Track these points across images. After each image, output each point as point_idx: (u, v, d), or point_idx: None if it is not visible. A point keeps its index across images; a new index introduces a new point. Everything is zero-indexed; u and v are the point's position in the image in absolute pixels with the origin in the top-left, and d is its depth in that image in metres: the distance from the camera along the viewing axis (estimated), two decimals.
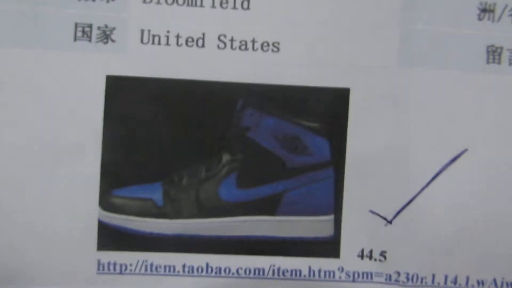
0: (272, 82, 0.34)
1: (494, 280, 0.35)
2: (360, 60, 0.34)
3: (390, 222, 0.34)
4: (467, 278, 0.35)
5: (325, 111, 0.34)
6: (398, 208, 0.34)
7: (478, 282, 0.35)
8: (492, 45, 0.34)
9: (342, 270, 0.35)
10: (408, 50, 0.34)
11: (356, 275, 0.35)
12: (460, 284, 0.35)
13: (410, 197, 0.34)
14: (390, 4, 0.34)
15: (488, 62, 0.34)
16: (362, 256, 0.35)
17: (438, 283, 0.35)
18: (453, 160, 0.34)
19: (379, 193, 0.34)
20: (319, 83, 0.34)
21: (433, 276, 0.35)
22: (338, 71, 0.34)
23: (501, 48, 0.34)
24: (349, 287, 0.35)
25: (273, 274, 0.35)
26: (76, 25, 0.33)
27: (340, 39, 0.34)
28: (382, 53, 0.34)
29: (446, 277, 0.35)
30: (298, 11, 0.34)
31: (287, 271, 0.35)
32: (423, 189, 0.34)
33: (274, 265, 0.35)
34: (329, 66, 0.34)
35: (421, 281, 0.35)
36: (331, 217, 0.34)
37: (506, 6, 0.34)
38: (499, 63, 0.34)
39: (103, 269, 0.34)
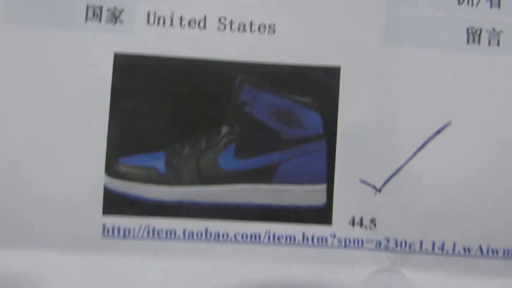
0: (268, 61, 0.37)
1: (480, 247, 0.36)
2: (349, 40, 0.37)
3: (379, 190, 0.36)
4: (454, 245, 0.36)
5: (317, 87, 0.37)
6: (386, 177, 0.36)
7: (464, 249, 0.36)
8: (472, 27, 0.37)
9: (334, 236, 0.36)
10: (393, 31, 0.37)
11: (347, 242, 0.36)
12: (447, 251, 0.36)
13: (397, 167, 0.36)
14: None
15: (468, 42, 0.37)
16: (353, 224, 0.36)
17: (426, 250, 0.36)
18: (438, 132, 0.36)
19: (368, 163, 0.36)
20: (311, 62, 0.37)
21: (421, 242, 0.36)
22: (329, 51, 0.37)
23: (480, 29, 0.37)
24: (340, 253, 0.36)
25: (269, 239, 0.36)
26: (87, 7, 0.36)
27: (331, 21, 0.37)
28: (369, 34, 0.37)
29: (433, 244, 0.36)
30: None
31: (282, 237, 0.36)
32: (409, 159, 0.36)
33: (269, 231, 0.36)
34: (321, 46, 0.37)
35: (410, 248, 0.36)
36: (323, 186, 0.36)
37: None
38: (478, 43, 0.37)
39: (108, 233, 0.36)
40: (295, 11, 0.37)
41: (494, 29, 0.37)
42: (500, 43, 0.37)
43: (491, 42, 0.37)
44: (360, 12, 0.37)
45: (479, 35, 0.37)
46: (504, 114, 0.36)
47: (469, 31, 0.37)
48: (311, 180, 0.37)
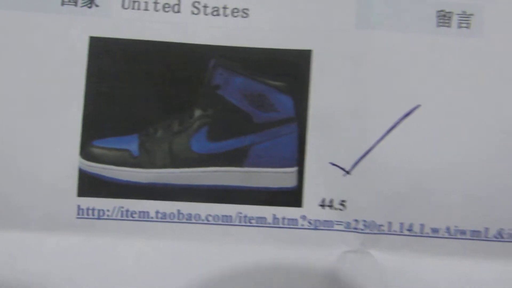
0: (241, 44, 0.37)
1: (448, 228, 0.37)
2: (321, 24, 0.37)
3: (348, 172, 0.37)
4: (422, 226, 0.37)
5: (289, 71, 0.37)
6: (355, 160, 0.37)
7: (432, 230, 0.37)
8: (442, 10, 0.37)
9: (305, 218, 0.37)
10: (364, 14, 0.37)
11: (317, 223, 0.37)
12: (415, 232, 0.37)
13: (366, 149, 0.37)
14: None
15: (438, 25, 0.37)
16: (323, 205, 0.37)
17: (395, 231, 0.37)
18: (407, 115, 0.37)
19: (338, 145, 0.37)
20: (284, 45, 0.37)
21: (390, 224, 0.37)
22: (301, 34, 0.37)
23: (451, 13, 0.37)
24: (311, 234, 0.37)
25: (240, 221, 0.37)
26: None
27: (303, 5, 0.37)
28: (341, 17, 0.37)
29: (401, 225, 0.37)
30: None
31: (253, 218, 0.37)
32: (378, 141, 0.36)
33: (240, 213, 0.37)
34: (293, 30, 0.37)
35: (378, 229, 0.37)
36: (294, 169, 0.37)
37: None
38: (449, 26, 0.37)
39: (82, 214, 0.37)
40: None
41: (464, 12, 0.37)
42: (471, 26, 0.37)
43: (461, 25, 0.37)
44: None
45: (450, 18, 0.37)
46: (473, 97, 0.37)
47: (439, 14, 0.37)
48: (282, 163, 0.37)
